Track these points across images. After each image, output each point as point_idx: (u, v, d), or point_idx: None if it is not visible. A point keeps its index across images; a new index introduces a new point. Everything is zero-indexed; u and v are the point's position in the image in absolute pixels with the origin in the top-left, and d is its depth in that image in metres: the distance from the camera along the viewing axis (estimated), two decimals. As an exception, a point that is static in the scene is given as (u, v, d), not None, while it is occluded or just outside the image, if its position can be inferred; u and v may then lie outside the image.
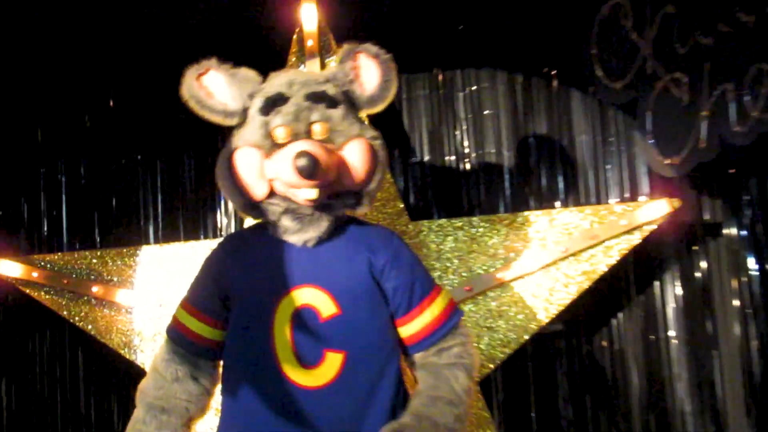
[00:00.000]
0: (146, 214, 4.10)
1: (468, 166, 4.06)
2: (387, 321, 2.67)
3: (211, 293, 2.71)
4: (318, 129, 2.57)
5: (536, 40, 3.95)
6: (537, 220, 3.59)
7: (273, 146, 2.54)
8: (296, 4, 3.56)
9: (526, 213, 3.63)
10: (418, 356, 2.72)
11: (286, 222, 2.61)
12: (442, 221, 3.66)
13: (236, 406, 2.64)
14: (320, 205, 2.57)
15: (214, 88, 2.64)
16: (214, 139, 3.77)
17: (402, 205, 3.66)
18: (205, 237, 4.05)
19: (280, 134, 2.54)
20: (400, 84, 3.56)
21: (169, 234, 4.05)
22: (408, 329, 2.69)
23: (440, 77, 4.11)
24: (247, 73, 2.65)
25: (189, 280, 2.83)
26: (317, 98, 2.59)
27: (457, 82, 4.09)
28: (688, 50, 3.58)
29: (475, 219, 3.66)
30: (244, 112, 2.64)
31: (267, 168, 2.55)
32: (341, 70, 2.67)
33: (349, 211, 2.71)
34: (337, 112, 2.61)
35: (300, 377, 2.56)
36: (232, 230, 4.00)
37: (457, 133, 4.09)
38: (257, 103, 2.60)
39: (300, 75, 2.70)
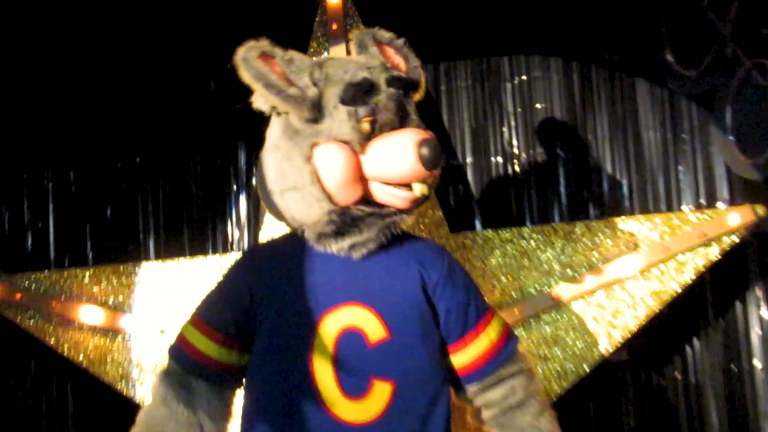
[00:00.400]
0: (146, 226, 3.91)
1: (517, 169, 3.88)
2: (438, 347, 2.55)
3: (228, 310, 2.57)
4: (402, 118, 2.50)
5: (596, 20, 3.76)
6: (598, 231, 3.46)
7: (363, 140, 2.42)
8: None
9: (585, 223, 3.51)
10: (472, 389, 2.60)
11: (354, 230, 2.49)
12: (488, 233, 3.54)
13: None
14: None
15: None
16: (224, 138, 3.73)
17: (441, 214, 3.51)
18: (214, 252, 3.85)
19: (368, 126, 2.43)
20: (438, 73, 3.82)
21: (173, 248, 3.86)
22: (462, 357, 2.57)
23: (485, 65, 3.93)
24: (303, 57, 2.52)
25: (195, 302, 2.68)
26: (398, 84, 2.50)
27: (504, 70, 3.91)
28: (774, 31, 3.36)
29: (526, 230, 3.52)
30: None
31: (366, 165, 2.43)
32: (377, 55, 2.60)
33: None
34: (410, 100, 2.57)
35: (344, 411, 2.43)
36: (245, 244, 3.85)
37: (505, 129, 3.91)
38: (336, 91, 2.45)
39: (365, 59, 2.59)
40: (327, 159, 2.40)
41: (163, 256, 3.81)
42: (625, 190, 3.82)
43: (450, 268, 2.58)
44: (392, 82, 2.48)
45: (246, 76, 2.40)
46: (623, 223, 3.44)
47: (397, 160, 2.40)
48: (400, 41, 2.60)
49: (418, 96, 2.61)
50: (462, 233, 3.53)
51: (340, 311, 2.48)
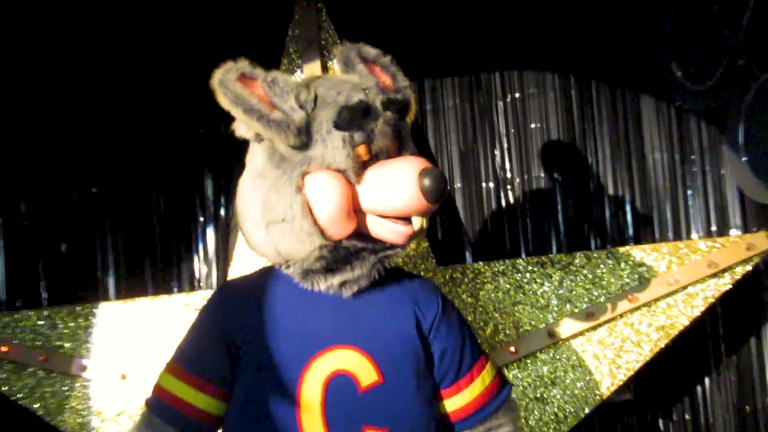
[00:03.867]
0: (104, 263, 3.89)
1: (511, 195, 3.90)
2: (431, 391, 2.58)
3: (208, 354, 2.56)
4: (399, 144, 2.50)
5: (596, 32, 3.79)
6: (599, 262, 3.42)
7: (359, 169, 2.41)
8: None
9: (585, 253, 3.45)
10: None
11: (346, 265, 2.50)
12: (479, 265, 3.48)
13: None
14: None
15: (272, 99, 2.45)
16: (188, 166, 3.74)
17: (427, 245, 3.47)
18: (180, 290, 3.84)
19: (363, 153, 2.40)
20: (422, 92, 3.85)
21: (134, 287, 3.84)
22: (454, 402, 2.61)
23: (474, 82, 3.93)
24: (288, 78, 2.49)
25: (160, 346, 2.80)
26: (395, 107, 2.47)
27: (495, 87, 3.93)
28: (793, 40, 3.34)
29: (520, 262, 3.48)
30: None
31: (362, 196, 2.42)
32: (368, 75, 2.57)
33: None
34: (406, 125, 2.55)
35: None
36: (214, 281, 3.83)
37: (497, 152, 3.93)
38: (329, 114, 2.42)
39: (358, 78, 2.57)
40: (320, 189, 2.38)
41: (123, 295, 3.78)
42: (629, 217, 3.83)
43: (445, 307, 2.61)
44: (389, 104, 2.45)
45: (224, 101, 2.37)
46: (627, 253, 3.41)
47: (396, 192, 2.38)
48: (387, 58, 2.58)
49: (409, 119, 2.59)
50: (451, 266, 3.49)
51: (329, 355, 2.48)
